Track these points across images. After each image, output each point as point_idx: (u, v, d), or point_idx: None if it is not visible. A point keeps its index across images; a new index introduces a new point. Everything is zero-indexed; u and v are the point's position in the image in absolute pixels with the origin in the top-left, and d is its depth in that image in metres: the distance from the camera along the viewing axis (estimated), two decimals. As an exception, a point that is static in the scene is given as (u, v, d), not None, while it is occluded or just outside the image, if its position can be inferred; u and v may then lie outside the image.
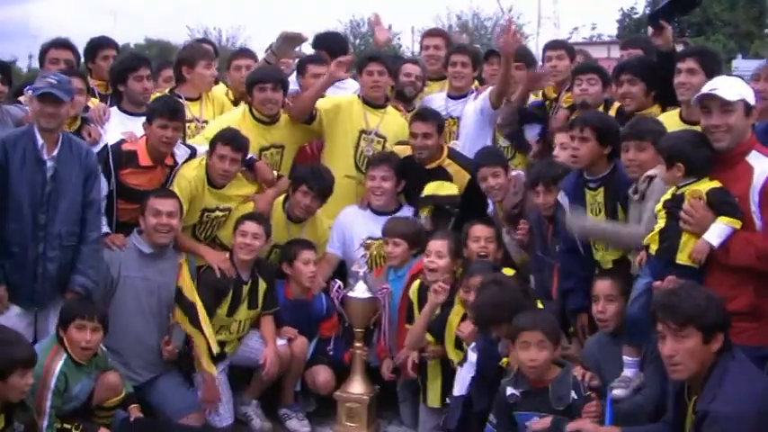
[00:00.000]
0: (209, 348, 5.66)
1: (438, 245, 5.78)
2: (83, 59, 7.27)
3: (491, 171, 6.07)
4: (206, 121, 6.78)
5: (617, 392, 4.60)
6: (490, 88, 6.88)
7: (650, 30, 6.01)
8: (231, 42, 41.85)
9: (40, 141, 5.27)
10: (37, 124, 5.29)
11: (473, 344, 5.37)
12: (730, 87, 4.45)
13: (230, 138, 6.02)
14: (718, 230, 4.31)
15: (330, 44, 7.53)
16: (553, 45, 7.39)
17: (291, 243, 6.28)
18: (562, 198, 5.39)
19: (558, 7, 67.51)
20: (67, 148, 5.37)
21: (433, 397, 5.81)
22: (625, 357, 4.70)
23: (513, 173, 6.17)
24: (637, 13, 42.47)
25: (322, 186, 6.28)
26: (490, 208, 6.45)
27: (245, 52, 7.91)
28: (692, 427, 3.89)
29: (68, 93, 5.35)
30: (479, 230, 5.93)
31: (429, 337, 5.78)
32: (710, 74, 5.20)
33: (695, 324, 3.86)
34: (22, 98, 6.39)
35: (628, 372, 4.67)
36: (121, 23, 48.99)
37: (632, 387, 4.62)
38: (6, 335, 4.58)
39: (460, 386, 5.35)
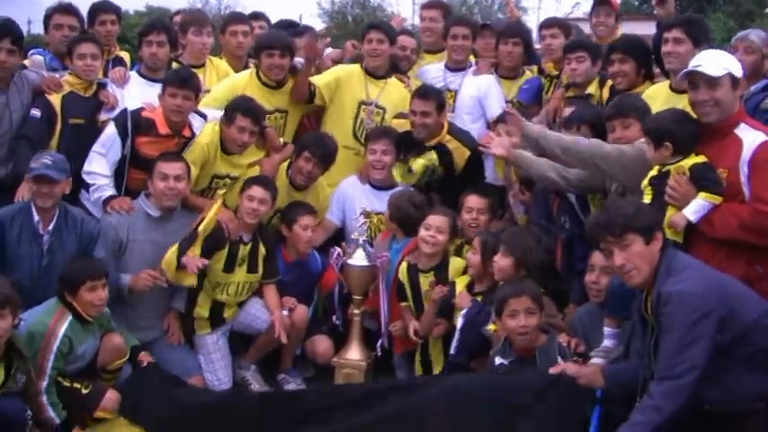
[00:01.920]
0: None
1: (439, 220, 5.89)
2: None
3: (507, 129, 6.10)
4: (208, 91, 6.80)
5: (595, 360, 4.72)
6: (489, 77, 7.06)
7: (653, 1, 6.11)
8: (230, 11, 41.70)
9: (36, 218, 5.45)
10: (33, 202, 5.45)
11: (463, 310, 5.51)
12: (716, 62, 4.58)
13: (251, 110, 6.12)
14: (696, 206, 4.48)
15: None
16: (547, 23, 7.49)
17: (292, 205, 6.38)
18: None
19: (560, -20, 67.19)
20: (63, 221, 5.53)
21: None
22: (606, 328, 4.82)
23: None
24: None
25: (324, 153, 6.37)
26: (489, 176, 6.65)
27: (240, 17, 7.79)
28: (653, 313, 4.10)
29: (63, 172, 5.49)
30: (473, 201, 6.11)
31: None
32: (697, 42, 5.38)
33: (632, 229, 4.10)
34: (26, 62, 6.52)
35: (607, 342, 4.80)
36: (122, -12, 48.58)
37: (611, 357, 4.73)
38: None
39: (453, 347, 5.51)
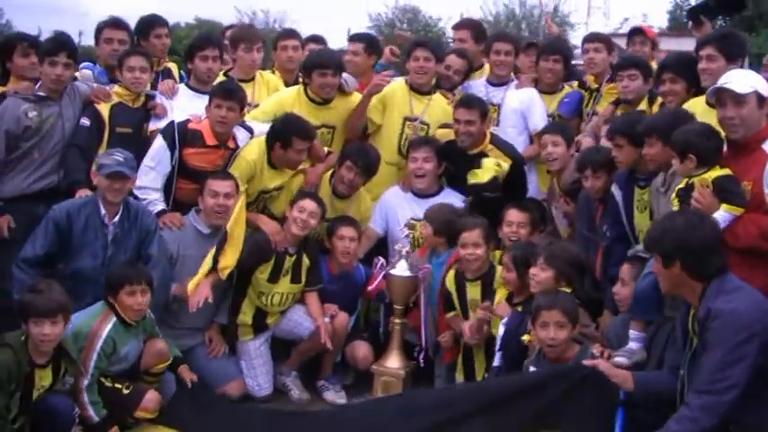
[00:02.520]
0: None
1: (474, 236, 5.96)
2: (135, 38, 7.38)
3: (552, 139, 6.32)
4: (257, 105, 6.93)
5: (618, 360, 4.75)
6: (531, 90, 7.15)
7: (690, 23, 6.15)
8: (279, 24, 42.07)
9: (103, 211, 5.67)
10: (102, 197, 5.65)
11: (504, 319, 5.59)
12: (743, 80, 4.72)
13: (306, 131, 6.30)
14: (719, 218, 4.55)
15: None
16: (590, 38, 7.57)
17: (335, 219, 6.50)
18: (615, 190, 5.61)
19: (608, -3, 66.81)
20: (126, 213, 5.74)
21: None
22: (631, 331, 4.87)
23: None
24: (690, 5, 42.05)
25: (366, 163, 6.49)
26: (532, 189, 6.72)
27: (291, 33, 7.99)
28: (699, 330, 4.16)
29: (133, 169, 5.77)
30: (513, 215, 6.17)
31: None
32: (731, 58, 5.45)
33: (655, 252, 4.31)
34: (76, 74, 6.67)
35: (632, 344, 4.84)
36: (171, 2, 49.36)
37: (634, 359, 4.77)
38: (41, 285, 4.93)
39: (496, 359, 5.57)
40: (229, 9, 55.50)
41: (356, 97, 7.01)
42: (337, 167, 6.60)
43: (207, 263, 5.84)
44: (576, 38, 36.20)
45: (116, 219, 5.67)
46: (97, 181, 5.67)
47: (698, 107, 5.49)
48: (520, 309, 5.65)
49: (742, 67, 5.48)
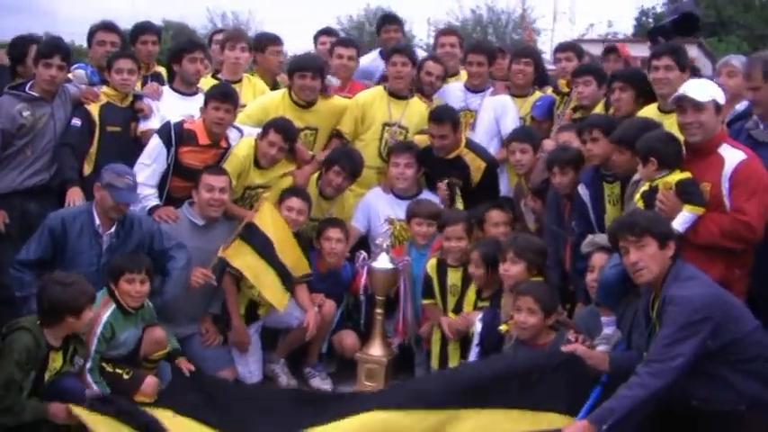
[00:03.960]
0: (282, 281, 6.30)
1: (457, 230, 6.29)
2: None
3: (520, 147, 6.65)
4: (244, 105, 7.18)
5: (601, 348, 5.04)
6: (505, 97, 7.48)
7: (649, 43, 6.56)
8: (245, 26, 42.16)
9: (97, 221, 5.82)
10: (99, 208, 5.81)
11: (479, 315, 5.94)
12: (702, 89, 5.12)
13: (283, 128, 6.55)
14: (682, 218, 4.96)
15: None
16: (561, 48, 8.11)
17: (323, 221, 6.80)
18: (582, 189, 5.93)
19: (574, 3, 67.39)
20: (121, 223, 5.88)
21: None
22: (603, 318, 5.20)
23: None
24: (656, 13, 42.59)
25: (353, 168, 6.80)
26: (504, 189, 7.07)
27: (277, 39, 8.16)
28: (657, 315, 4.53)
29: (137, 193, 5.98)
30: (497, 216, 6.54)
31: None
32: (683, 69, 5.93)
33: (651, 233, 4.55)
34: (69, 75, 6.91)
35: (607, 330, 5.16)
36: (140, 3, 49.16)
37: (613, 342, 5.08)
38: (68, 278, 5.07)
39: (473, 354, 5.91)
40: (198, 11, 55.49)
41: (339, 101, 7.32)
42: (324, 172, 6.86)
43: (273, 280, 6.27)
44: (542, 43, 36.71)
45: (112, 229, 5.84)
46: (100, 195, 5.80)
47: (649, 113, 5.94)
48: (488, 303, 6.02)
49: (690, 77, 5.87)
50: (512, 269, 5.71)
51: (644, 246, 4.58)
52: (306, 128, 7.15)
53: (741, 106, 6.27)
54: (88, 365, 5.29)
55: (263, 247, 6.25)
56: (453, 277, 6.36)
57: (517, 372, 4.96)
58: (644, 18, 42.82)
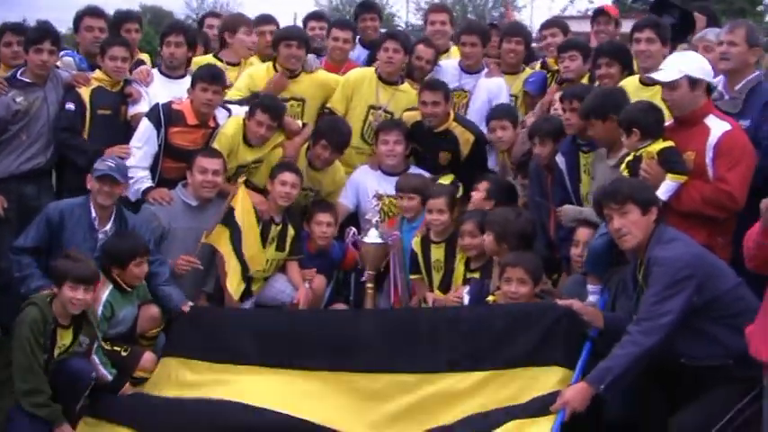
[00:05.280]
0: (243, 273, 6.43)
1: (439, 203, 6.36)
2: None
3: (500, 124, 6.80)
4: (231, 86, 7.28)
5: None
6: (500, 80, 7.56)
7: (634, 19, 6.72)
8: (225, 10, 42.00)
9: (94, 214, 5.90)
10: (93, 200, 5.90)
11: (467, 288, 6.08)
12: (673, 67, 5.28)
13: (270, 107, 6.64)
14: (666, 187, 5.13)
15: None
16: (546, 24, 8.14)
17: (312, 204, 6.95)
18: (559, 158, 6.10)
19: (553, -21, 67.22)
20: (119, 223, 5.98)
21: None
22: (589, 286, 5.39)
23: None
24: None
25: (340, 141, 6.91)
26: (492, 163, 7.18)
27: (268, 18, 8.32)
28: (643, 276, 4.71)
29: (125, 177, 6.02)
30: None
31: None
32: (665, 42, 6.10)
33: (633, 199, 4.72)
34: (58, 63, 7.02)
35: (591, 298, 5.35)
36: (116, -13, 48.57)
37: None
38: (74, 253, 5.30)
39: None
40: (173, -6, 55.02)
41: (324, 74, 7.47)
42: (312, 145, 6.94)
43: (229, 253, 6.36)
44: (522, 20, 36.68)
45: (108, 227, 5.92)
46: (90, 185, 5.92)
47: (630, 85, 6.09)
48: (478, 275, 6.14)
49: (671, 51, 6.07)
50: (486, 239, 5.88)
51: (626, 212, 4.75)
52: (291, 98, 7.25)
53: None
54: (94, 346, 5.41)
55: (235, 233, 6.38)
56: (436, 253, 6.47)
57: (517, 324, 5.16)
58: (622, -5, 42.71)
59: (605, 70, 6.44)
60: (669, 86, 5.23)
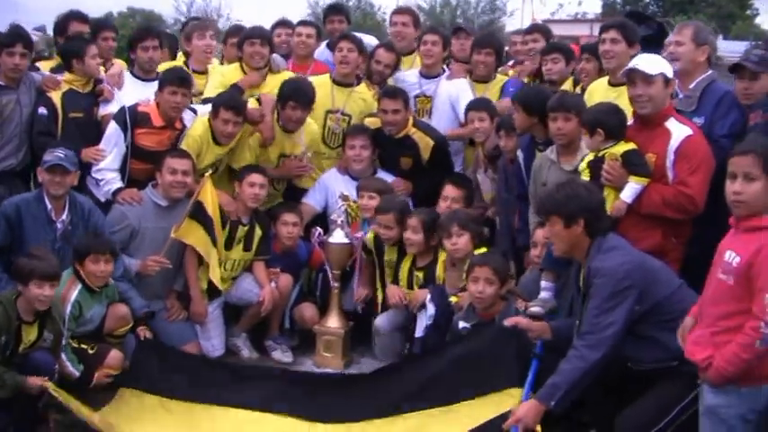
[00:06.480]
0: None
1: (388, 218, 6.50)
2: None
3: (478, 115, 6.90)
4: (201, 93, 7.42)
5: (534, 310, 5.24)
6: (461, 80, 7.64)
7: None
8: (216, 15, 42.13)
9: (49, 206, 5.97)
10: (46, 191, 5.97)
11: (428, 296, 6.17)
12: (652, 63, 5.33)
13: (231, 104, 6.70)
14: (630, 190, 5.22)
15: None
16: (529, 30, 8.38)
17: (278, 206, 7.07)
18: (519, 154, 6.24)
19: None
20: (74, 210, 6.06)
21: None
22: (542, 282, 5.46)
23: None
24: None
25: (306, 98, 6.96)
26: (458, 165, 7.32)
27: (236, 31, 8.46)
28: (585, 286, 4.77)
29: (74, 165, 6.03)
30: (449, 190, 6.79)
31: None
32: (631, 43, 6.15)
33: (556, 213, 4.81)
34: (34, 36, 7.21)
35: (544, 294, 5.43)
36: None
37: (548, 307, 5.31)
38: (39, 252, 5.36)
39: (419, 328, 6.20)
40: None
41: (289, 74, 7.55)
42: (281, 109, 6.98)
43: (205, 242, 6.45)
44: (513, 24, 36.90)
45: (64, 216, 6.00)
46: (41, 176, 6.01)
47: (600, 87, 6.22)
48: (422, 274, 6.35)
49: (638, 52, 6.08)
50: (459, 242, 6.03)
51: (551, 224, 4.87)
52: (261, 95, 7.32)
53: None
54: (63, 343, 5.49)
55: (208, 224, 6.43)
56: (389, 253, 6.68)
57: (469, 362, 5.24)
58: (611, -1, 43.00)
59: (584, 65, 6.73)
60: (647, 81, 5.26)
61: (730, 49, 9.01)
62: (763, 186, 3.92)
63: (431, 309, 6.11)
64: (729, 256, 3.96)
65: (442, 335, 6.02)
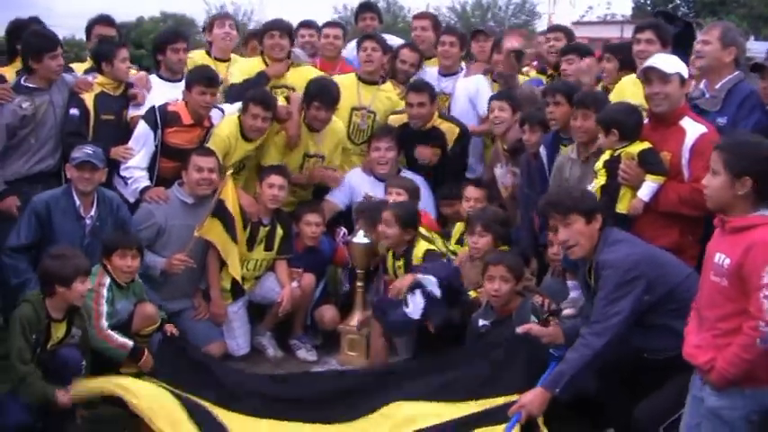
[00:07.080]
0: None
1: (387, 214, 6.47)
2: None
3: (499, 104, 6.95)
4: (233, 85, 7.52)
5: (567, 311, 5.32)
6: (478, 77, 7.76)
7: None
8: (248, 17, 42.41)
9: (78, 201, 6.08)
10: (74, 187, 6.08)
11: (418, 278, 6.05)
12: (668, 62, 5.39)
13: (261, 99, 6.82)
14: (647, 189, 5.27)
15: None
16: (551, 29, 8.55)
17: (300, 205, 7.16)
18: (542, 150, 6.28)
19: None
20: (102, 206, 6.17)
21: None
22: (569, 282, 5.48)
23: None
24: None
25: (331, 98, 7.10)
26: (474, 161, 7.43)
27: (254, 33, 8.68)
28: (594, 279, 4.84)
29: (102, 162, 6.12)
30: (471, 192, 6.87)
31: None
32: (665, 44, 6.23)
33: (577, 210, 4.85)
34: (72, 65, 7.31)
35: (573, 293, 5.44)
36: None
37: (579, 305, 5.32)
38: (66, 251, 5.40)
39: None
40: (195, 3, 55.36)
41: (309, 69, 7.69)
42: (306, 110, 7.13)
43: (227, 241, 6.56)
44: (541, 27, 36.85)
45: (92, 211, 6.10)
46: (70, 173, 6.11)
47: (628, 83, 6.25)
48: (402, 262, 6.39)
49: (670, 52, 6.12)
50: (480, 241, 6.11)
51: (571, 223, 4.89)
52: (283, 86, 7.49)
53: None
54: (104, 322, 5.59)
55: (229, 222, 6.52)
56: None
57: (481, 366, 5.31)
58: (641, 0, 42.69)
59: (604, 65, 6.78)
60: (663, 79, 5.32)
61: (762, 50, 8.95)
62: (722, 182, 3.98)
63: (436, 291, 5.98)
64: (719, 258, 3.99)
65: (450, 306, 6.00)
